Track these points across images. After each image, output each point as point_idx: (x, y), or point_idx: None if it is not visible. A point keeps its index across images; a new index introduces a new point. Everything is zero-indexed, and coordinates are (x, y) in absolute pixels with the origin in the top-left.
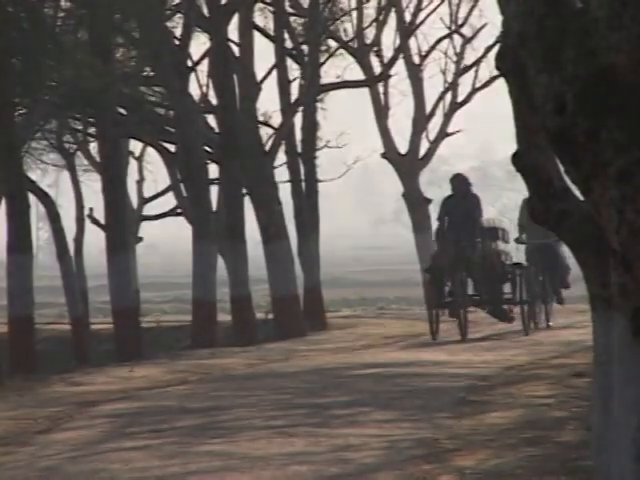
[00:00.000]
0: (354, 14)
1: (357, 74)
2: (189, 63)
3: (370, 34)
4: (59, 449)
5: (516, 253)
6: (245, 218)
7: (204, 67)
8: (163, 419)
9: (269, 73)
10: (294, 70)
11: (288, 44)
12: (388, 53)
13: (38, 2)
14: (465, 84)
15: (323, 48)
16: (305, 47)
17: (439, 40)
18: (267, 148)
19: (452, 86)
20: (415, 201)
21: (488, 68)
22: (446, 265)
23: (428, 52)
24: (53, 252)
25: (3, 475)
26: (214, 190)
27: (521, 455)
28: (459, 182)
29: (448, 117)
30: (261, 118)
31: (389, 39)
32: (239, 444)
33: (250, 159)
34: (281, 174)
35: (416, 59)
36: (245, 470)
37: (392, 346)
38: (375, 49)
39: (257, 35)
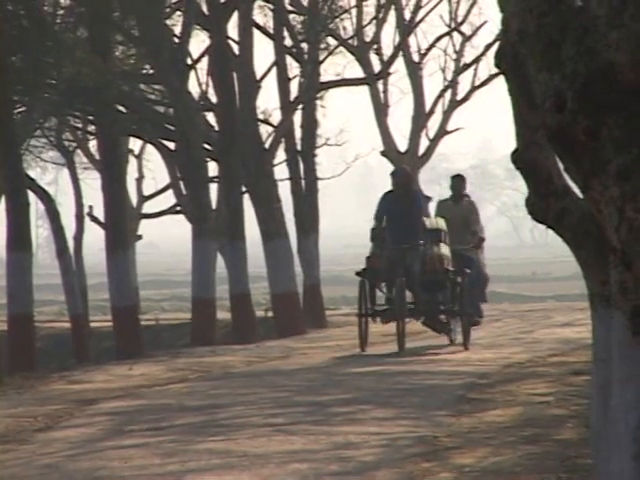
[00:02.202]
0: (354, 12)
1: (357, 72)
2: (189, 61)
3: (370, 32)
4: (59, 447)
5: None
6: (245, 216)
7: (204, 65)
8: (162, 417)
9: (269, 71)
10: (294, 68)
11: (288, 42)
12: (388, 51)
13: (38, 0)
14: (465, 82)
15: (323, 46)
16: (305, 45)
17: (439, 38)
18: (267, 146)
19: (452, 84)
20: None
21: (488, 66)
22: (382, 269)
23: (428, 50)
24: (53, 250)
25: (3, 473)
26: (213, 188)
27: (520, 453)
28: (400, 176)
29: (448, 115)
30: (261, 116)
31: (389, 37)
32: (238, 442)
33: (250, 157)
34: (281, 172)
35: (416, 57)
36: (244, 468)
37: (391, 344)
38: (375, 47)
39: (257, 33)
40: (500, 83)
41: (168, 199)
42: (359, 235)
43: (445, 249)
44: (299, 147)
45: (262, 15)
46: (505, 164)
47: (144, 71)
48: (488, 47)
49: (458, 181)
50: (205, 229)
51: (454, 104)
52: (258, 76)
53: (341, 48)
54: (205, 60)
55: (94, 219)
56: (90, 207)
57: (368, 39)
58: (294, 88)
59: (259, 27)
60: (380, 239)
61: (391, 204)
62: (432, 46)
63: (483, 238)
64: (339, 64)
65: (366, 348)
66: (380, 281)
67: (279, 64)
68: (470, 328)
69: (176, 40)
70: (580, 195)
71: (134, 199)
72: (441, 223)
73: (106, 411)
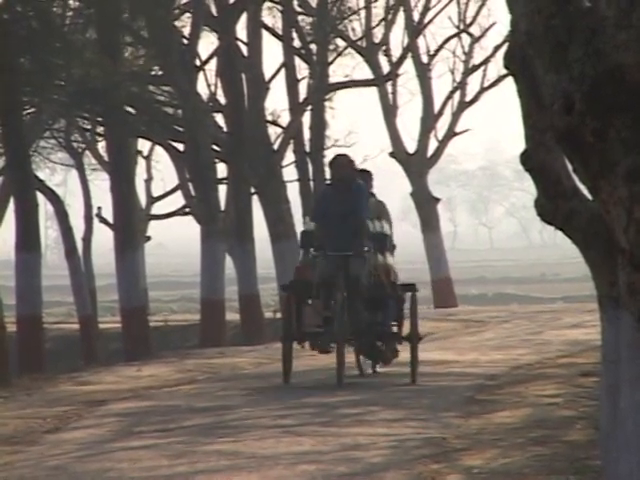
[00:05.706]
0: (362, 13)
1: (365, 73)
2: (197, 62)
3: (378, 33)
4: (67, 448)
5: None
6: (253, 217)
7: (212, 66)
8: (171, 418)
9: (277, 72)
10: (302, 69)
11: (296, 43)
12: (396, 52)
13: (47, 1)
14: (473, 83)
15: (331, 47)
16: (313, 46)
17: (447, 39)
18: (275, 147)
19: (460, 85)
20: (423, 200)
21: (496, 67)
22: (314, 281)
23: (436, 51)
24: (61, 251)
25: (12, 474)
26: (222, 189)
27: (529, 454)
28: (340, 167)
29: (456, 116)
30: (269, 117)
31: (397, 38)
32: (247, 443)
33: (258, 158)
34: (289, 173)
35: (424, 58)
36: (253, 469)
37: (399, 346)
38: (383, 48)
39: (265, 34)
40: (509, 84)
41: (177, 200)
42: None
43: (391, 259)
44: (308, 148)
45: (271, 16)
46: (514, 165)
47: (153, 72)
48: (497, 48)
49: (363, 178)
50: (214, 230)
51: (463, 105)
52: (267, 77)
53: (350, 49)
54: (214, 61)
55: (103, 220)
56: (99, 208)
57: (377, 40)
58: (303, 89)
59: (268, 28)
60: (314, 244)
61: (330, 201)
62: (441, 47)
63: (394, 245)
64: (348, 65)
65: (289, 378)
66: (311, 297)
67: (288, 65)
68: (417, 357)
69: (185, 41)
70: (589, 196)
71: (143, 200)
72: (386, 227)
73: (115, 412)
